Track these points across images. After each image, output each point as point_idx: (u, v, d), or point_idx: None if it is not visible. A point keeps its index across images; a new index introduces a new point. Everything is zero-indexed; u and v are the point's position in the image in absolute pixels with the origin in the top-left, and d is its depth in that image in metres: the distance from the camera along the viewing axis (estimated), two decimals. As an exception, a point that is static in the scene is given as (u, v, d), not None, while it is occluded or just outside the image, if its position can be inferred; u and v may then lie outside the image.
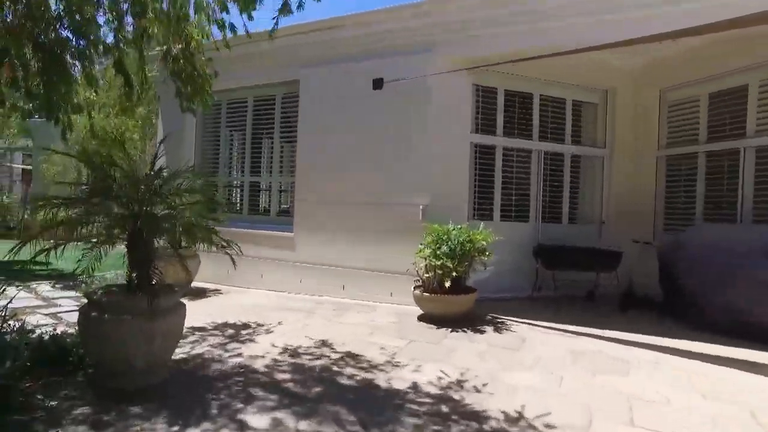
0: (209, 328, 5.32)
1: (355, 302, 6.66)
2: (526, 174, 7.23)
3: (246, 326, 5.38)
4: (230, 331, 5.17)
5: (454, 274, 5.32)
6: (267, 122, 7.95)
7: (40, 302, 6.12)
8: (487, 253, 5.57)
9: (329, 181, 7.10)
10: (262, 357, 4.34)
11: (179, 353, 4.33)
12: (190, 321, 5.56)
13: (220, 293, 7.30)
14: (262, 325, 5.40)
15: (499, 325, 5.54)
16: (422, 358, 4.40)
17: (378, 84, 6.62)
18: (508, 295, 6.83)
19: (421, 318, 5.79)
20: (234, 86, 8.20)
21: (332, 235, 7.01)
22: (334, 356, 4.40)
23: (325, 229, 7.07)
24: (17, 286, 6.66)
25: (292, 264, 7.34)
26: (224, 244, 4.03)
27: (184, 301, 4.11)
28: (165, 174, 3.88)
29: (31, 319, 4.77)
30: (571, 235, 7.28)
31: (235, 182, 8.73)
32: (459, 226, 5.72)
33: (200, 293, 7.20)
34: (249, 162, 8.22)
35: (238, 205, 8.51)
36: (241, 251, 4.28)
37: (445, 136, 6.51)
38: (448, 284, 5.26)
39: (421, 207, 6.31)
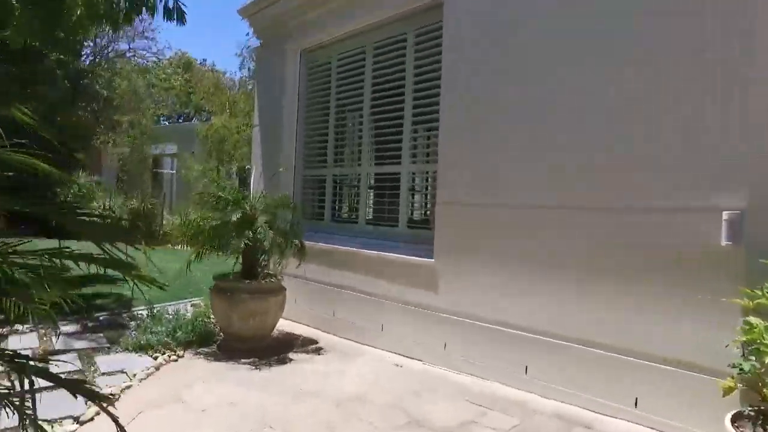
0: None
1: (557, 409, 3.27)
2: None
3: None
4: None
5: None
6: (394, 81, 4.97)
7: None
8: None
9: (502, 169, 3.84)
10: None
11: None
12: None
13: (314, 352, 4.48)
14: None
15: None
16: None
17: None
18: None
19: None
20: (345, 32, 5.41)
21: (507, 268, 3.72)
22: None
23: (494, 256, 3.81)
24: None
25: (432, 314, 4.21)
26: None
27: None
28: None
29: None
30: None
31: (355, 175, 5.88)
32: None
33: (282, 350, 4.48)
34: (369, 143, 5.32)
35: (354, 209, 5.65)
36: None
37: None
38: None
39: (725, 216, 2.68)
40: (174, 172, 16.75)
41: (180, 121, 20.65)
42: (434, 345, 4.17)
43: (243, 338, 4.41)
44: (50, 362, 1.81)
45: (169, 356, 4.13)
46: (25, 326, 4.69)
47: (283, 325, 5.22)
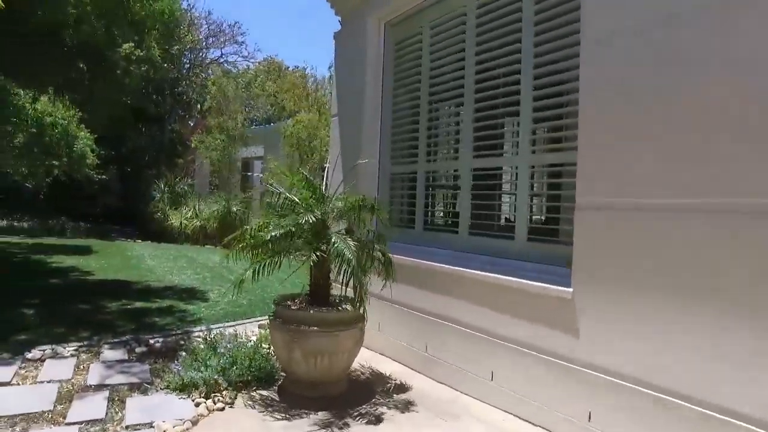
0: None
1: None
2: None
3: None
4: None
5: None
6: (505, 46, 3.74)
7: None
8: None
9: (703, 149, 2.48)
10: None
11: None
12: None
13: (398, 407, 3.34)
14: None
15: None
16: None
17: None
18: None
19: None
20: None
21: (707, 312, 2.35)
22: None
23: (680, 290, 2.45)
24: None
25: (568, 366, 2.92)
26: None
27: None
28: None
29: None
30: None
31: (455, 171, 4.71)
32: None
33: (359, 400, 3.40)
34: (471, 132, 4.12)
35: (453, 215, 4.47)
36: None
37: None
38: None
39: None
40: (261, 175, 16.62)
41: (271, 124, 20.72)
42: (571, 411, 2.88)
43: (308, 383, 3.40)
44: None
45: (215, 401, 3.22)
46: (68, 348, 4.06)
47: (366, 357, 4.19)
